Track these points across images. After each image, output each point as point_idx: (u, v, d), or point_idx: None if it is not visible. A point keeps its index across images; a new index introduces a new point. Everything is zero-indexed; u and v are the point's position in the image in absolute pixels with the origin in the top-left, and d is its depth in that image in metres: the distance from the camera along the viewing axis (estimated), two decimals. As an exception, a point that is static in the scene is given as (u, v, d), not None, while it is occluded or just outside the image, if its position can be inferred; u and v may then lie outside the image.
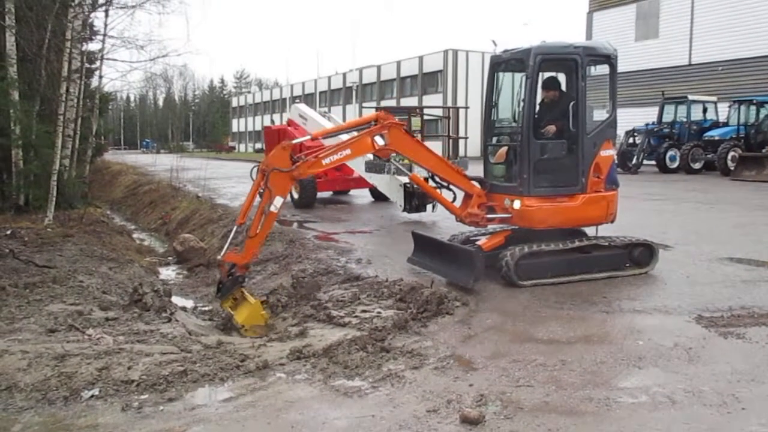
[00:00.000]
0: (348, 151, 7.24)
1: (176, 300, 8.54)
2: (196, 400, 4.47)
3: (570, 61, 7.61)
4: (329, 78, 75.78)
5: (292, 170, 6.89)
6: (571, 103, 7.61)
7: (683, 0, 33.88)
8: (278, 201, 6.85)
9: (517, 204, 7.62)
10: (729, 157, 23.94)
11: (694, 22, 33.34)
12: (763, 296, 6.89)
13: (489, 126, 8.35)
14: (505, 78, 8.31)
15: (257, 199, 6.98)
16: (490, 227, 8.36)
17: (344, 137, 7.57)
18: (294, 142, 7.35)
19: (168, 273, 11.81)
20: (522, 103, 7.56)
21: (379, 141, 7.34)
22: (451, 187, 8.18)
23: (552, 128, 7.68)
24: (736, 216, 13.19)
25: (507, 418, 4.10)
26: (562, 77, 8.07)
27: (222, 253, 7.04)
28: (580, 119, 7.60)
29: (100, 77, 22.09)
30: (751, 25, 30.22)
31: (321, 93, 76.34)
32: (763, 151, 23.72)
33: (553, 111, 7.85)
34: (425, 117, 13.74)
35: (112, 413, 4.21)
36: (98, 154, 27.52)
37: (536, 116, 7.80)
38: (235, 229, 7.14)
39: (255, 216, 6.89)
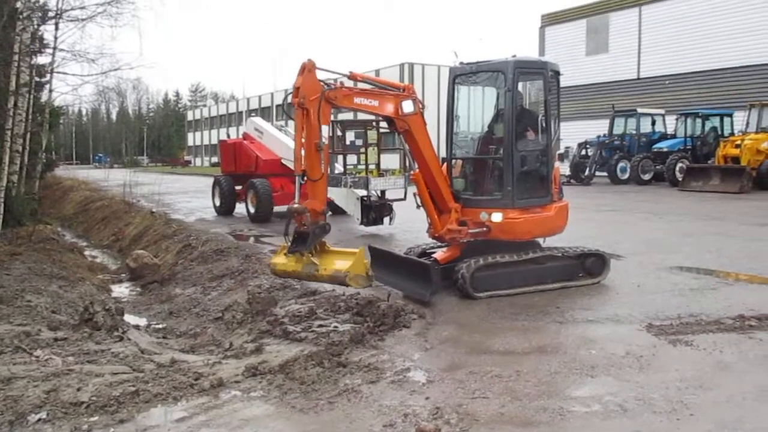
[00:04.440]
0: (376, 103, 7.22)
1: (129, 318, 8.36)
2: (149, 421, 4.37)
3: (539, 74, 7.84)
4: (286, 91, 74.48)
5: (329, 91, 6.57)
6: (540, 116, 7.77)
7: (631, 16, 34.83)
8: (325, 130, 6.53)
9: (497, 217, 7.58)
10: (677, 168, 24.66)
11: (642, 38, 34.29)
12: (710, 304, 7.08)
13: (452, 139, 8.29)
14: (470, 90, 8.36)
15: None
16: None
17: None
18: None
19: (121, 290, 11.57)
20: (501, 116, 7.67)
21: (408, 107, 7.28)
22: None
23: (531, 134, 7.79)
24: (685, 226, 13.56)
25: (463, 430, 4.12)
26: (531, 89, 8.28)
27: (295, 203, 6.40)
28: (549, 131, 7.77)
29: (51, 91, 21.56)
30: (696, 41, 31.22)
31: (278, 106, 75.93)
32: (709, 162, 24.49)
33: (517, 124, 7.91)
34: (381, 130, 13.79)
35: (61, 437, 4.10)
36: (49, 169, 26.83)
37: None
38: (298, 178, 6.51)
39: (309, 158, 6.42)
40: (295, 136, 6.64)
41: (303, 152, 6.45)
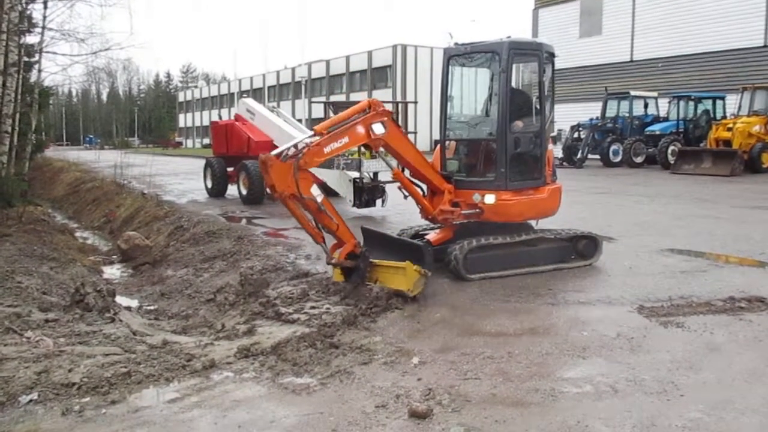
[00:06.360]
0: (346, 139, 6.97)
1: (120, 300, 8.33)
2: (140, 402, 4.37)
3: (534, 55, 7.79)
4: (278, 72, 75.06)
5: (299, 162, 6.46)
6: (534, 98, 7.74)
7: (625, -3, 34.73)
8: (315, 190, 6.69)
9: (490, 198, 7.56)
10: (669, 151, 24.70)
11: (635, 20, 34.17)
12: (700, 286, 7.11)
13: (446, 120, 8.19)
14: (464, 72, 8.29)
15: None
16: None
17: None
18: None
19: (112, 272, 11.54)
20: (495, 97, 7.61)
21: (378, 129, 7.06)
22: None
23: (519, 123, 7.76)
24: (676, 208, 13.60)
25: (455, 411, 4.13)
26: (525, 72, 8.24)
27: (332, 258, 6.92)
28: (543, 113, 7.76)
29: (40, 71, 21.32)
30: (689, 23, 31.15)
31: (270, 87, 75.57)
32: (701, 145, 24.54)
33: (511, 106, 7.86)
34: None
35: (52, 418, 4.08)
36: (38, 150, 26.66)
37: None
38: (323, 247, 7.01)
39: (320, 219, 6.81)
40: (300, 222, 6.91)
41: (313, 220, 6.84)
